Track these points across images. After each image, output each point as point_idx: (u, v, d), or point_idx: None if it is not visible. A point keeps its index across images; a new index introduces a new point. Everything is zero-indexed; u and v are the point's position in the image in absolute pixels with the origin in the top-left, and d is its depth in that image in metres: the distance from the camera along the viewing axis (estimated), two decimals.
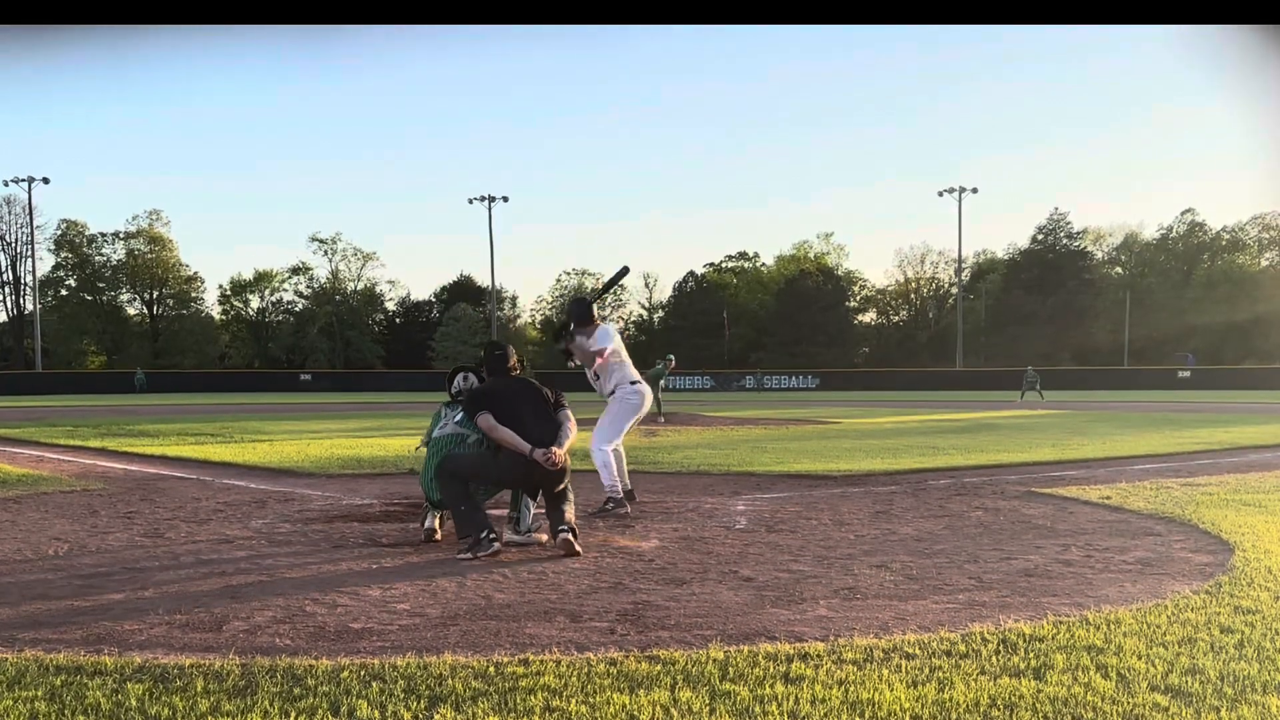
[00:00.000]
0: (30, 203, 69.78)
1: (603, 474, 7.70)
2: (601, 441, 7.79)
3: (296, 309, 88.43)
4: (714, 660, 3.65)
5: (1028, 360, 52.47)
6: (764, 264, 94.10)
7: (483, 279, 79.98)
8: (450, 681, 3.42)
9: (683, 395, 47.00)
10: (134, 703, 3.24)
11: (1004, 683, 3.40)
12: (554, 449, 6.19)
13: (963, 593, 4.89)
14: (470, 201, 69.90)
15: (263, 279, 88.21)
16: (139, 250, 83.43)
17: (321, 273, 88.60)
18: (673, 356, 25.69)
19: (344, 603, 4.74)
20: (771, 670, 3.54)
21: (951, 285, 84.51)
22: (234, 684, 3.42)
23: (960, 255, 73.52)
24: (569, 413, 6.65)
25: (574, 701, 3.25)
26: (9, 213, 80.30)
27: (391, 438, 15.40)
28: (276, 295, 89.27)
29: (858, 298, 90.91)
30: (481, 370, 6.94)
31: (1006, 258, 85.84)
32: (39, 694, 3.31)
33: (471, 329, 77.25)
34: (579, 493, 7.52)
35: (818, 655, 3.71)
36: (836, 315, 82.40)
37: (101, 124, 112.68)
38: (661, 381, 24.31)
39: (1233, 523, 6.76)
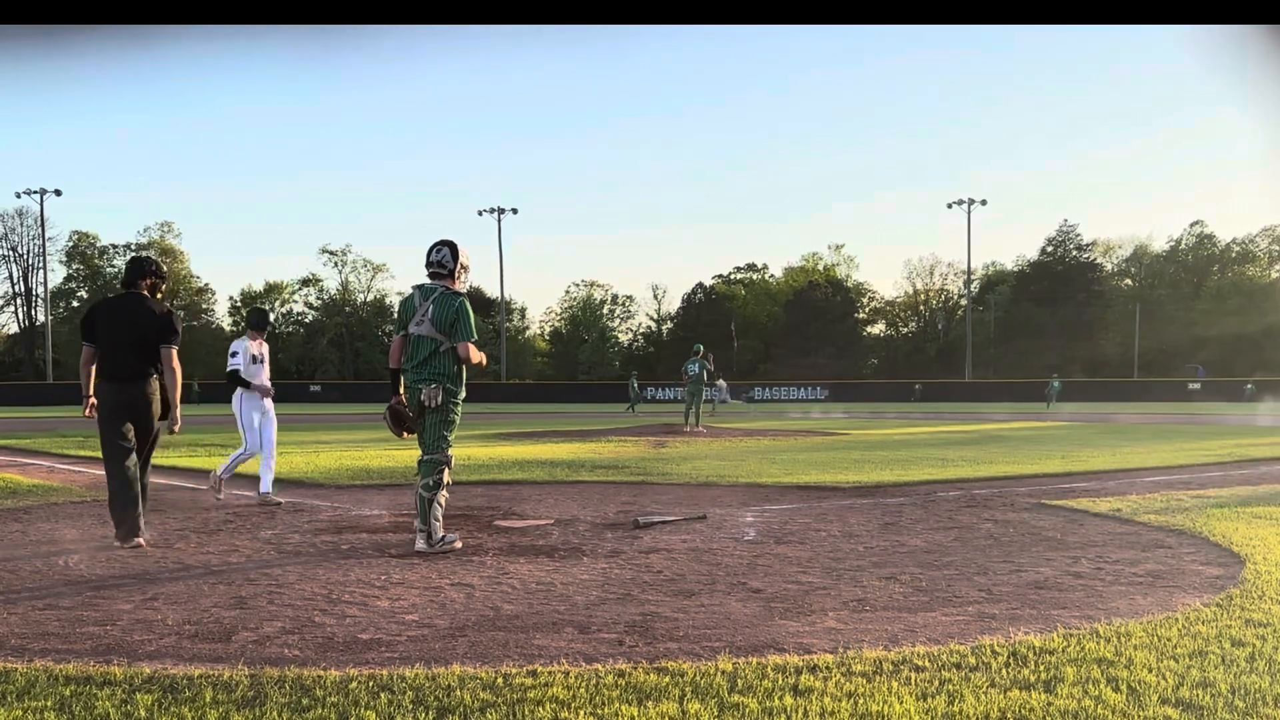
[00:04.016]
0: (42, 214, 70.31)
1: None
2: None
3: (307, 320, 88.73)
4: (723, 672, 3.64)
5: (1038, 372, 52.25)
6: (772, 275, 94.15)
7: (492, 290, 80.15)
8: (458, 693, 3.42)
9: (645, 406, 46.82)
10: (143, 713, 3.24)
11: (1014, 695, 3.39)
12: (90, 399, 6.78)
13: (972, 605, 4.87)
14: (480, 214, 70.17)
15: (273, 290, 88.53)
16: None
17: (332, 284, 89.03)
18: (701, 346, 23.10)
19: (352, 613, 4.74)
20: (780, 682, 3.53)
21: (960, 297, 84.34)
22: (243, 694, 3.42)
23: (969, 267, 73.35)
24: (171, 352, 6.81)
25: (582, 713, 3.25)
26: (21, 225, 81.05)
27: (400, 449, 15.41)
28: (287, 306, 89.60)
29: (867, 309, 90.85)
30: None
31: (1016, 269, 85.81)
32: (49, 704, 3.32)
33: (481, 341, 77.49)
34: (594, 498, 7.52)
35: (827, 667, 3.70)
36: (845, 327, 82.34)
37: (112, 136, 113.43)
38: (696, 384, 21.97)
39: (1244, 535, 6.73)
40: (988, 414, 34.73)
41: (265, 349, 9.50)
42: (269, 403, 9.48)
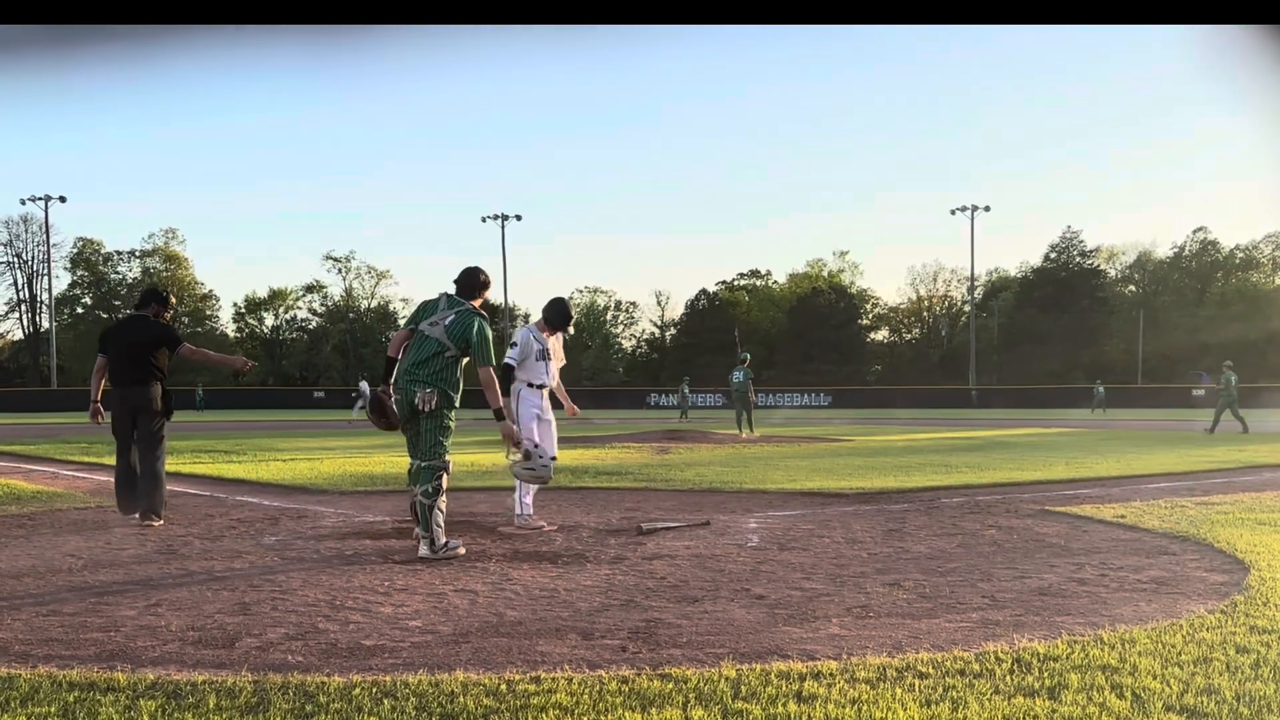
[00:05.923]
0: (47, 221, 70.48)
1: None
2: None
3: (310, 327, 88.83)
4: (726, 679, 3.63)
5: (1041, 379, 52.25)
6: (776, 281, 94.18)
7: (495, 295, 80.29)
8: (462, 699, 3.42)
9: (695, 411, 46.86)
10: (147, 719, 3.25)
11: (1018, 702, 3.38)
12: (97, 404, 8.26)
13: (976, 611, 4.86)
14: (484, 220, 70.35)
15: (277, 297, 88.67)
16: (155, 268, 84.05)
17: (335, 291, 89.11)
18: (748, 355, 23.33)
19: (356, 620, 4.74)
20: (784, 689, 3.52)
21: (964, 303, 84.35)
22: (246, 701, 3.42)
23: (973, 273, 73.41)
24: (185, 347, 8.34)
25: None
26: (25, 231, 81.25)
27: (404, 455, 15.43)
28: (290, 313, 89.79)
29: (870, 315, 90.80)
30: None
31: (1019, 276, 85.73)
32: (52, 710, 3.32)
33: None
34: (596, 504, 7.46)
35: (830, 674, 3.70)
36: (849, 333, 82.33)
37: (117, 142, 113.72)
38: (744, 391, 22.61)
39: (1248, 542, 6.71)
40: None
41: (556, 344, 8.06)
42: (548, 405, 7.90)
